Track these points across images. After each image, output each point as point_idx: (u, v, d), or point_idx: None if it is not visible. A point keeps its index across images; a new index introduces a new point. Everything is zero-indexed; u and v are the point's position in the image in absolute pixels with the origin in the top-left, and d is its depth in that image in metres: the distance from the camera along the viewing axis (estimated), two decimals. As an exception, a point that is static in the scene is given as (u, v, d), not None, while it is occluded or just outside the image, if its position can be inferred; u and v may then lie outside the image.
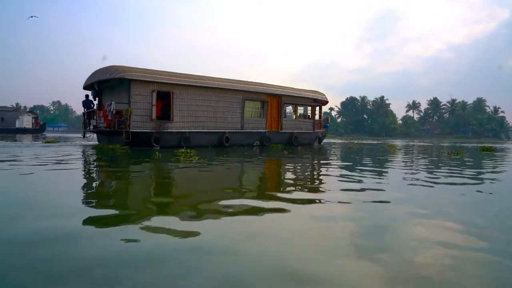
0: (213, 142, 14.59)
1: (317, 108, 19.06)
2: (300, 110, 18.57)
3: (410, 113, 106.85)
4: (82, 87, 14.86)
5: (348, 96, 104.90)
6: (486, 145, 18.63)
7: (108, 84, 13.64)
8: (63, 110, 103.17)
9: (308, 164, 8.13)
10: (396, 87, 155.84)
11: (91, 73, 14.28)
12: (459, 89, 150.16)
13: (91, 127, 14.65)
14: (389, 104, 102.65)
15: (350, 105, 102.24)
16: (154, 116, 13.08)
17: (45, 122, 50.30)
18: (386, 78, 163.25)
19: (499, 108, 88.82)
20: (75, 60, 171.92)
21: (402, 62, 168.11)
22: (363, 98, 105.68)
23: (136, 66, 13.07)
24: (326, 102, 19.40)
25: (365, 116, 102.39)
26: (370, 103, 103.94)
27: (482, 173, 6.28)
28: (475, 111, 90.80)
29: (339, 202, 3.27)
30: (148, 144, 12.79)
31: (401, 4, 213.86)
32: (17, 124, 41.62)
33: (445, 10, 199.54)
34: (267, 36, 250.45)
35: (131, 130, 12.48)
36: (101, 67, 13.68)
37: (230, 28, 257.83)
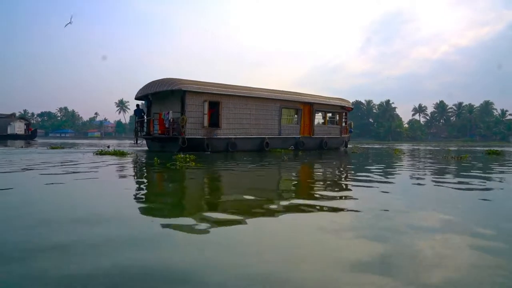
0: (255, 147, 16.11)
1: (343, 114, 20.64)
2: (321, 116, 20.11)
3: (417, 116, 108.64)
4: (134, 97, 16.45)
5: (354, 100, 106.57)
6: (492, 148, 18.15)
7: (158, 94, 15.20)
8: (70, 116, 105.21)
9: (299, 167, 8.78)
10: (403, 90, 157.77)
11: (143, 84, 15.87)
12: (466, 92, 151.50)
13: (143, 134, 16.21)
14: (395, 107, 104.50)
15: (356, 109, 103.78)
16: (206, 124, 14.63)
17: (36, 128, 51.69)
18: (392, 81, 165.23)
19: (506, 111, 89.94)
20: (82, 66, 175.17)
21: (408, 65, 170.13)
22: (369, 102, 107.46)
23: (189, 79, 14.64)
24: (351, 109, 20.98)
25: (370, 120, 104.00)
26: (376, 107, 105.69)
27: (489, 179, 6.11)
28: (482, 114, 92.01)
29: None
30: (200, 149, 14.29)
31: (407, 8, 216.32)
32: (9, 130, 42.95)
33: (452, 13, 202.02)
34: (271, 39, 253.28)
35: (186, 137, 14.01)
36: (155, 79, 15.26)
37: (234, 31, 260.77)
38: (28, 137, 43.17)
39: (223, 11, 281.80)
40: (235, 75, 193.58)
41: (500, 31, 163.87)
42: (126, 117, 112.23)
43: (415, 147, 29.32)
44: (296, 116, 18.02)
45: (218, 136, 15.07)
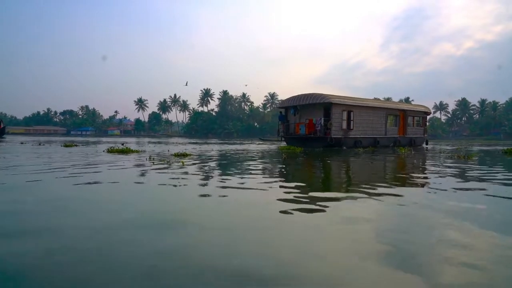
0: (371, 144, 22.69)
1: (425, 118, 27.33)
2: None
3: (437, 114, 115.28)
4: (278, 106, 23.05)
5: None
6: (510, 147, 16.67)
7: (304, 105, 21.73)
8: (90, 115, 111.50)
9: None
10: (424, 88, 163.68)
11: (287, 97, 22.45)
12: (491, 89, 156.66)
13: (283, 133, 22.81)
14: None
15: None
16: (344, 127, 21.21)
17: (4, 126, 53.33)
18: (414, 78, 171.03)
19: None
20: (101, 66, 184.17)
21: (431, 62, 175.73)
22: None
23: (333, 94, 21.22)
24: (430, 113, 27.63)
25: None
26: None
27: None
28: (507, 111, 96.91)
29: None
30: (338, 145, 20.83)
31: (430, 2, 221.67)
32: None
33: (477, 7, 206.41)
34: (290, 37, 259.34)
35: (332, 136, 20.58)
36: (301, 93, 21.85)
37: (253, 29, 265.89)
38: None
39: (241, 8, 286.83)
40: (253, 72, 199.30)
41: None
42: (145, 115, 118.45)
43: (431, 145, 29.12)
44: (395, 120, 24.67)
45: (350, 136, 21.66)
